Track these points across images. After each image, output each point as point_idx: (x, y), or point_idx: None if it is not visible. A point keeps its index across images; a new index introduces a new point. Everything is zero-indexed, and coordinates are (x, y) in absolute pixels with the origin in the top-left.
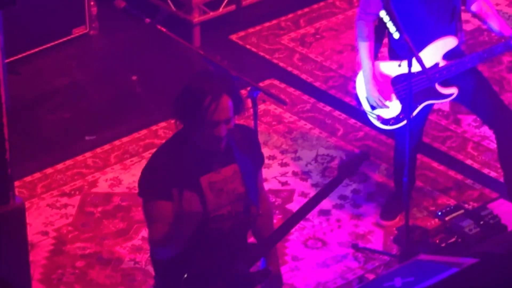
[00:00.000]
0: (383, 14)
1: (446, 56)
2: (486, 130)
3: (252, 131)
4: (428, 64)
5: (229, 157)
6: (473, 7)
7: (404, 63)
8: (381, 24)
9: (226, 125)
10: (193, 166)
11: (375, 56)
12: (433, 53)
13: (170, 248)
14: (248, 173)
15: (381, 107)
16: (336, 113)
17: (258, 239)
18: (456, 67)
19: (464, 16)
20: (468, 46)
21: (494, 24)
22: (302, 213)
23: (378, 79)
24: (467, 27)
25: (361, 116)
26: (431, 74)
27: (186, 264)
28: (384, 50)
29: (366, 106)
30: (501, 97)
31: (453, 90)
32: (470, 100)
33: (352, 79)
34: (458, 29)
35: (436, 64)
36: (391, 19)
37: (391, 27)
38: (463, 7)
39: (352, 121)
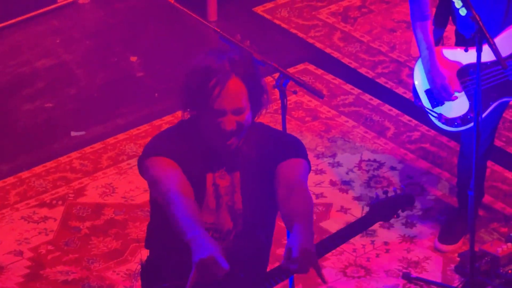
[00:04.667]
0: None
1: None
2: None
3: (270, 131)
4: (504, 53)
5: (238, 161)
6: None
7: (473, 49)
8: (444, 2)
9: (235, 118)
10: (199, 159)
11: (438, 42)
12: (510, 41)
13: None
14: (251, 188)
15: (449, 100)
16: (386, 107)
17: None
18: None
19: None
20: None
21: None
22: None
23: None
24: None
25: (417, 112)
26: (507, 64)
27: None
28: (450, 34)
29: (425, 102)
30: None
31: None
32: None
33: (406, 64)
34: None
35: None
36: None
37: (457, 1)
38: None
39: (405, 118)
